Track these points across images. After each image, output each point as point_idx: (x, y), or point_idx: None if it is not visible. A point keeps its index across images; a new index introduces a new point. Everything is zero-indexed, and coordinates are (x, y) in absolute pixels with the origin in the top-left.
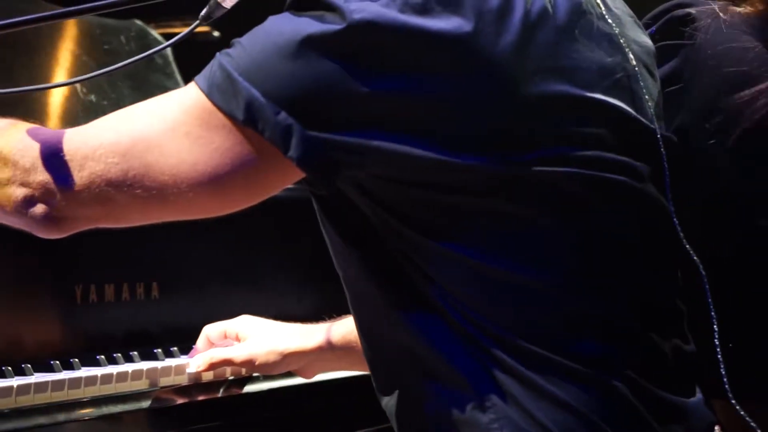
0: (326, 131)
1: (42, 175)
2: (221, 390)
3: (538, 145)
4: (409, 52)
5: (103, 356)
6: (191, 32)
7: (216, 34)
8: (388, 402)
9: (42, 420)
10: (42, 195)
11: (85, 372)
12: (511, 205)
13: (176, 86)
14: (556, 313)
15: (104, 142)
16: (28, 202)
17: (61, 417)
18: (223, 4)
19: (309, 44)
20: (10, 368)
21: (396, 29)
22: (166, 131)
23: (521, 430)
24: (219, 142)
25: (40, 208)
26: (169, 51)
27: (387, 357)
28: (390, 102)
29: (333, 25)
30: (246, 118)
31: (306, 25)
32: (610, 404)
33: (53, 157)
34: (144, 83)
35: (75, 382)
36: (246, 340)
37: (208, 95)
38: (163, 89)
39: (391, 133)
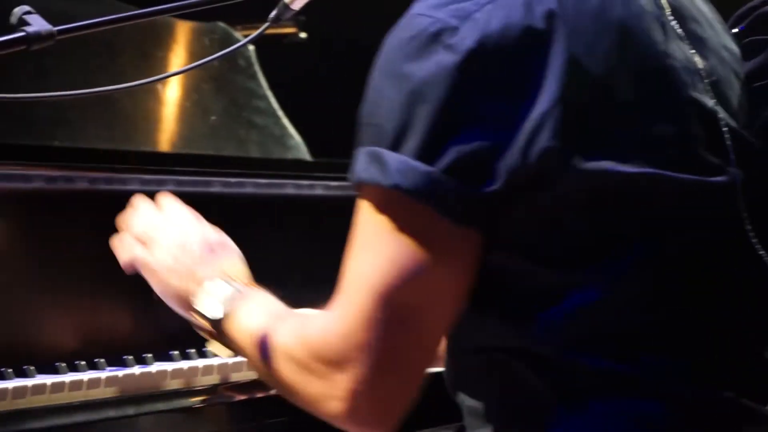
0: None
1: (346, 382)
2: None
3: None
4: None
5: (177, 351)
6: (260, 35)
7: (303, 35)
8: (464, 399)
9: (111, 413)
10: (354, 401)
11: (156, 367)
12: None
13: (259, 88)
14: (634, 327)
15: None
16: (348, 417)
17: (131, 410)
18: (292, 6)
19: None
20: (103, 360)
21: None
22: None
23: None
24: None
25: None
26: (252, 53)
27: (468, 356)
28: None
29: None
30: None
31: None
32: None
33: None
34: (227, 85)
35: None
36: None
37: None
38: (246, 91)
39: None
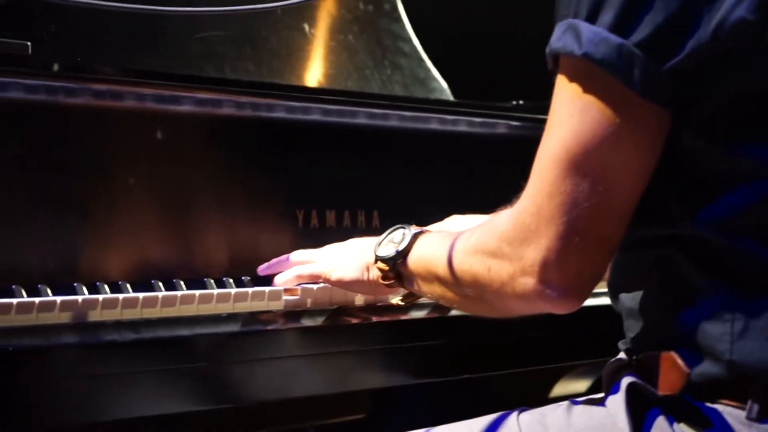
0: None
1: (535, 254)
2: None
3: None
4: None
5: None
6: None
7: None
8: (624, 301)
9: (258, 326)
10: (544, 274)
11: (301, 286)
12: None
13: (403, 31)
14: None
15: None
16: (540, 291)
17: (276, 325)
18: None
19: None
20: (249, 278)
21: None
22: None
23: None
24: None
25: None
26: None
27: (635, 252)
28: None
29: None
30: None
31: None
32: None
33: (528, 227)
34: (369, 26)
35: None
36: None
37: None
38: (390, 34)
39: None
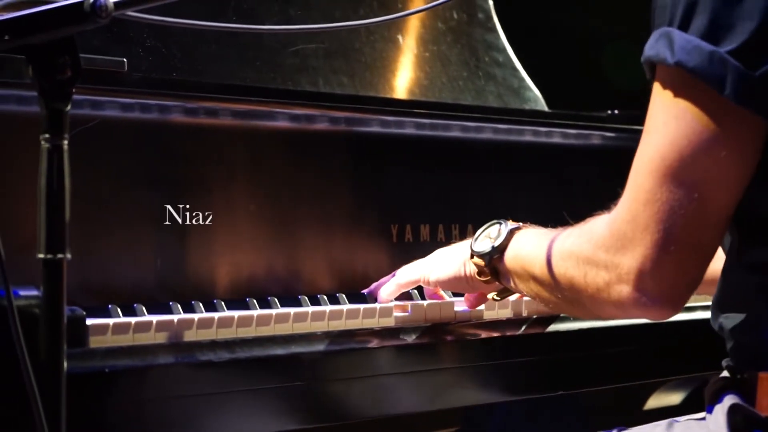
0: None
1: (632, 263)
2: (527, 327)
3: None
4: None
5: (415, 290)
6: None
7: None
8: (727, 320)
9: (352, 344)
10: (641, 282)
11: (396, 303)
12: None
13: (497, 40)
14: None
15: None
16: (636, 299)
17: (372, 343)
18: None
19: None
20: (344, 295)
21: None
22: None
23: None
24: None
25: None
26: (491, 5)
27: (740, 274)
28: None
29: None
30: None
31: None
32: None
33: (624, 235)
34: (463, 36)
35: (386, 311)
36: None
37: None
38: (485, 44)
39: None
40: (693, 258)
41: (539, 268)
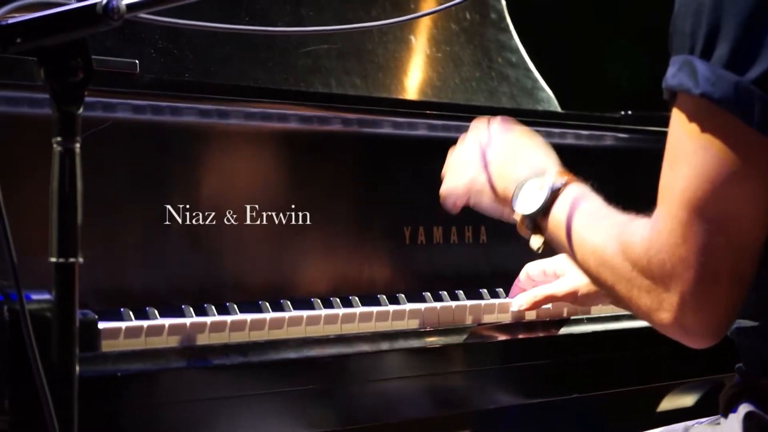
0: None
1: (673, 297)
2: (540, 330)
3: None
4: None
5: (428, 293)
6: None
7: None
8: (739, 326)
9: (365, 347)
10: (682, 314)
11: (409, 306)
12: None
13: (510, 40)
14: None
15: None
16: (677, 328)
17: (385, 346)
18: None
19: None
20: (356, 298)
21: None
22: None
23: None
24: None
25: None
26: (504, 5)
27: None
28: None
29: None
30: None
31: None
32: None
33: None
34: (476, 37)
35: (399, 314)
36: (565, 275)
37: None
38: (498, 44)
39: None
40: (733, 290)
41: (580, 259)
